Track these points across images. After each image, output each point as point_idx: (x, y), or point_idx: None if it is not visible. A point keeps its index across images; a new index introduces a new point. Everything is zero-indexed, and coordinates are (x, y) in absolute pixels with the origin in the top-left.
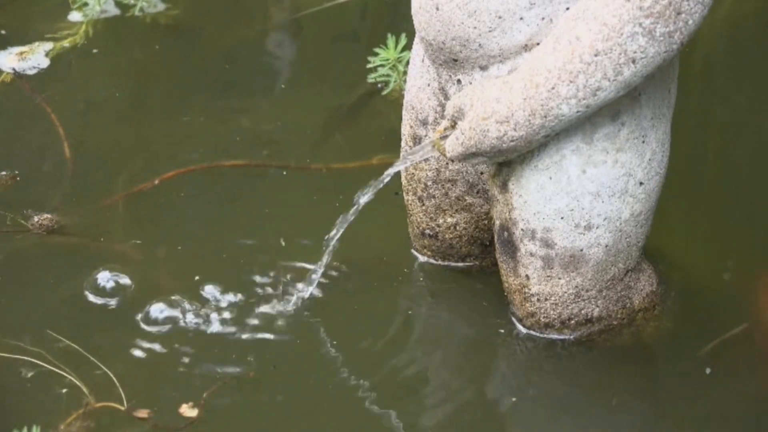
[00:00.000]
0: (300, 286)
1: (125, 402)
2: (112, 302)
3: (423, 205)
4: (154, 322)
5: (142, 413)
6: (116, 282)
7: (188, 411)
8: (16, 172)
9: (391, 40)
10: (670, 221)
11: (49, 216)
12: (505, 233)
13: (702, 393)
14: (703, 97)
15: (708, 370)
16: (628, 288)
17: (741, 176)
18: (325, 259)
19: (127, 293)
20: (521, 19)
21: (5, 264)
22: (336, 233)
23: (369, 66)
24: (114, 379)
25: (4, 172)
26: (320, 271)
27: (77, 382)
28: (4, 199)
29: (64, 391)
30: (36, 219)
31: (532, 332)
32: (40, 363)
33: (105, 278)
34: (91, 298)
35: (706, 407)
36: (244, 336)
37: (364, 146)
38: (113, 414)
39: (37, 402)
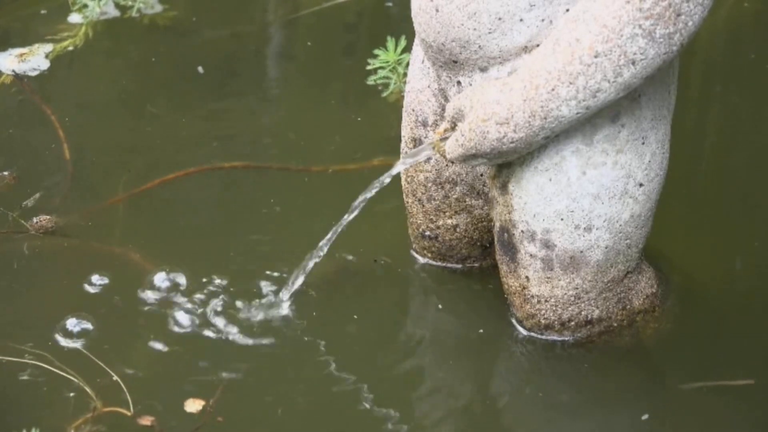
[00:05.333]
0: (296, 287)
1: (132, 407)
2: (114, 305)
3: (423, 206)
4: (155, 325)
5: (147, 420)
6: (117, 285)
7: (194, 416)
8: (16, 173)
9: (390, 42)
10: (670, 222)
11: (48, 217)
12: (505, 235)
13: (701, 394)
14: (702, 98)
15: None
16: (628, 289)
17: (741, 177)
18: (311, 263)
19: (128, 296)
20: (521, 20)
21: (4, 266)
22: (331, 236)
23: (369, 68)
24: (121, 383)
25: (5, 172)
26: (306, 269)
27: (84, 387)
28: (4, 201)
29: (72, 395)
30: (35, 220)
31: (531, 334)
32: (46, 366)
33: (104, 282)
34: (92, 301)
35: (705, 408)
36: (248, 339)
37: (364, 148)
38: (120, 419)
39: (44, 406)
